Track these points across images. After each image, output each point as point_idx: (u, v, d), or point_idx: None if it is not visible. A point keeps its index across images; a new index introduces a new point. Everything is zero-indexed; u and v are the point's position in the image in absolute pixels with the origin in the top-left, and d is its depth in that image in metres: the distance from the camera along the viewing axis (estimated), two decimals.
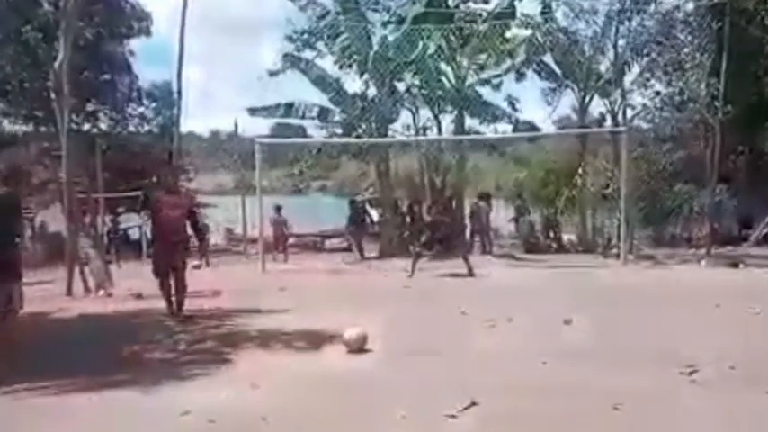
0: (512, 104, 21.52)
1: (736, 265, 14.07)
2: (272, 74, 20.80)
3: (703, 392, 5.03)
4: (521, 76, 21.19)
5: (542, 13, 19.19)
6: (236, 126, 26.62)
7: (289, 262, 18.10)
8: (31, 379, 5.60)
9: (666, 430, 4.36)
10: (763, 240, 18.96)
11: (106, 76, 28.77)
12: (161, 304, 8.85)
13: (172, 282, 8.71)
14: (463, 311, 8.50)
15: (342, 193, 38.03)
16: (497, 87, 21.26)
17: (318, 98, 20.97)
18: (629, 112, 19.86)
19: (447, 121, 21.39)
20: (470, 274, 12.91)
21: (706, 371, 5.49)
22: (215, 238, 25.89)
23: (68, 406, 5.06)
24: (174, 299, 8.73)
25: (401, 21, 19.62)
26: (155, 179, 29.29)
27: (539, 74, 21.05)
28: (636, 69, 19.63)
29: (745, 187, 19.78)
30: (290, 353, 6.65)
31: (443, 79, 20.34)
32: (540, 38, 19.28)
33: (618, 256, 15.37)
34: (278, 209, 19.22)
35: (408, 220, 20.03)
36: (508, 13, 19.28)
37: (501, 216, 23.12)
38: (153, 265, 8.90)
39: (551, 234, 20.81)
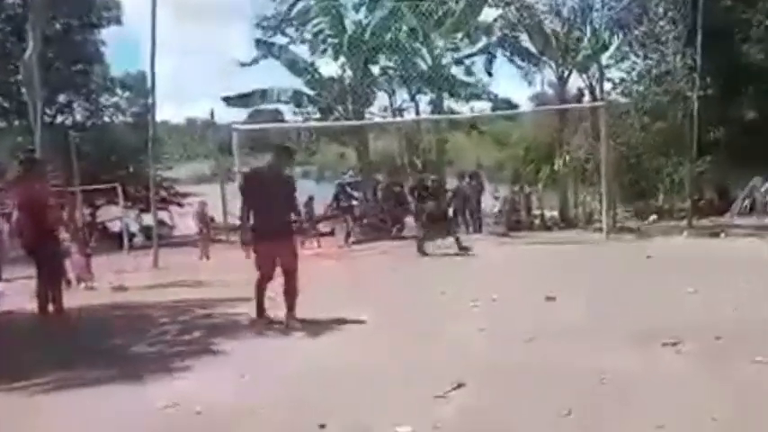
0: (488, 82, 21.49)
1: (717, 235, 14.18)
2: (246, 63, 20.66)
3: (689, 364, 5.03)
4: (495, 57, 21.16)
5: None
6: (212, 114, 26.49)
7: None
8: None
9: (653, 401, 4.34)
10: (745, 210, 19.09)
11: (78, 67, 28.47)
12: (140, 297, 8.69)
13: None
14: (448, 291, 8.49)
15: (322, 177, 37.84)
16: (472, 67, 21.25)
17: (294, 83, 20.86)
18: (607, 86, 19.91)
19: (424, 101, 21.36)
20: (461, 249, 12.92)
21: (691, 343, 5.48)
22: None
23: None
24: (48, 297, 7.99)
25: (374, 2, 19.48)
26: (131, 169, 29.12)
27: (511, 55, 21.02)
28: (613, 43, 19.67)
29: (726, 158, 19.86)
30: (281, 337, 6.57)
31: (419, 60, 20.25)
32: (514, 13, 19.26)
33: (601, 230, 15.42)
34: None
35: (393, 202, 19.84)
36: None
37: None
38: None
39: (533, 211, 20.85)
